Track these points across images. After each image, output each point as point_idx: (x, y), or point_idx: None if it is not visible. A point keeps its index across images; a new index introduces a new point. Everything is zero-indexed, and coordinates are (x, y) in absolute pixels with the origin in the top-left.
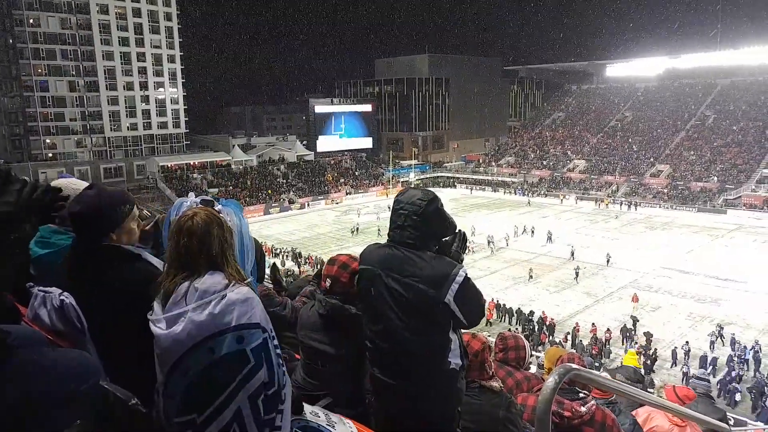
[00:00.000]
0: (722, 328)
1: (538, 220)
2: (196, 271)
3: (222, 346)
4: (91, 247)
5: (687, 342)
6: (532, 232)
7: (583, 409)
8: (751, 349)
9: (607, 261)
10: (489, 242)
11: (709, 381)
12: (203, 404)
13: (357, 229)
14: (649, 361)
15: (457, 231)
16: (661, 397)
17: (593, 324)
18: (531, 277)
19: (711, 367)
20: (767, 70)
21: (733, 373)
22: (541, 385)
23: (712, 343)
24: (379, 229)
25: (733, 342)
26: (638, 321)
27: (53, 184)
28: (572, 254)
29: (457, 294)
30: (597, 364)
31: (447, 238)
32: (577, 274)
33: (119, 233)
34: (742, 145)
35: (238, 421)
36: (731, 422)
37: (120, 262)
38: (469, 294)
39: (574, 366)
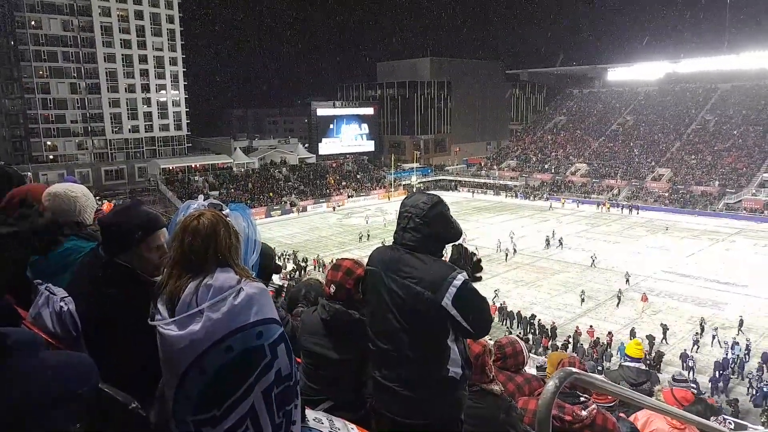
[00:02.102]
0: (704, 323)
1: (539, 223)
2: (204, 271)
3: (241, 343)
4: (107, 261)
5: (697, 333)
6: (560, 242)
7: (584, 413)
8: (742, 349)
9: (627, 280)
10: (506, 253)
11: (691, 381)
12: (222, 400)
13: (368, 235)
14: (652, 362)
15: (460, 250)
16: (659, 399)
17: (590, 326)
18: (583, 300)
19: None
20: (767, 74)
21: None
22: (542, 389)
23: (714, 336)
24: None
25: (734, 345)
26: (668, 329)
27: (51, 189)
28: (593, 262)
29: (456, 298)
30: (600, 368)
31: (452, 252)
32: (619, 299)
33: (128, 257)
34: (742, 150)
35: (251, 415)
36: (731, 426)
37: (129, 285)
38: (470, 299)
39: (574, 369)
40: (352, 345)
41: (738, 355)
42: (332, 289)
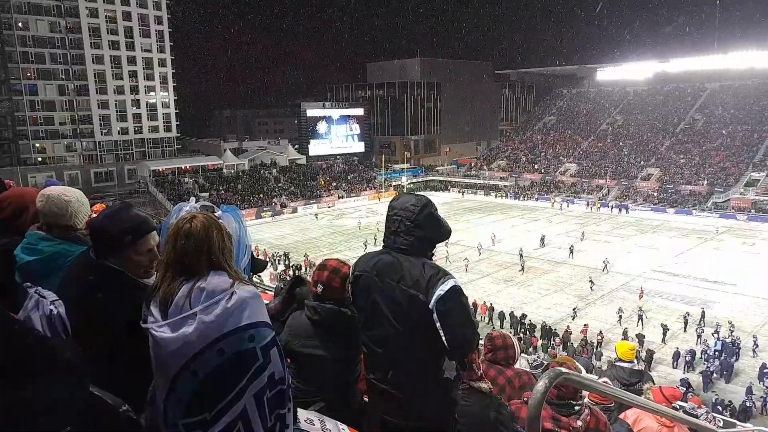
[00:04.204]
0: (688, 317)
1: (528, 223)
2: (197, 274)
3: (233, 346)
4: (96, 264)
5: (699, 327)
6: (571, 250)
7: (579, 423)
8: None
9: (591, 287)
10: (522, 266)
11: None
12: (213, 403)
13: (375, 239)
14: (644, 361)
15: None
16: (648, 397)
17: (585, 325)
18: (620, 318)
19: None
20: (755, 74)
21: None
22: (530, 394)
23: (717, 333)
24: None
25: (724, 344)
26: (668, 330)
27: (46, 191)
28: (605, 267)
29: (440, 303)
30: (591, 366)
31: None
32: (640, 318)
33: (118, 261)
34: (730, 149)
35: (243, 418)
36: (720, 423)
37: (119, 289)
38: (454, 306)
39: (564, 370)
40: (344, 343)
41: (717, 350)
42: (319, 289)
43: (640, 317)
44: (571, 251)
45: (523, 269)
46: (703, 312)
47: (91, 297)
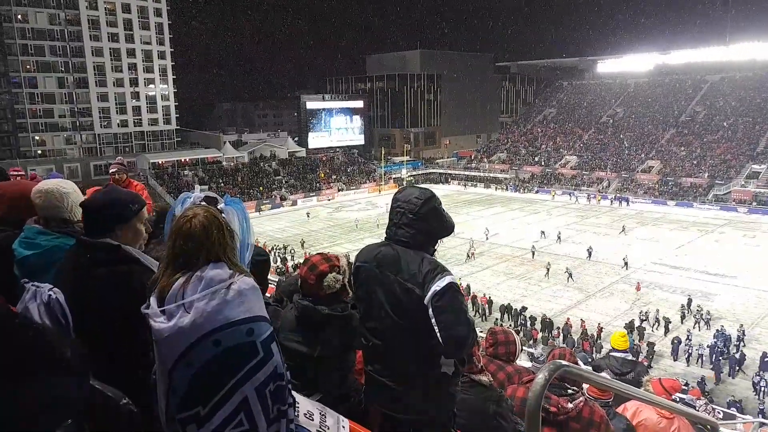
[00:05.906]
0: (685, 309)
1: (528, 216)
2: (196, 266)
3: (231, 338)
4: (92, 243)
5: (698, 313)
6: (589, 252)
7: (569, 405)
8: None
9: (569, 277)
10: (548, 268)
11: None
12: (207, 396)
13: None
14: (646, 354)
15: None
16: (647, 389)
17: (582, 320)
18: (645, 320)
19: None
20: (756, 65)
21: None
22: (530, 377)
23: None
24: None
25: (724, 337)
26: (670, 322)
27: (41, 185)
28: (625, 264)
29: (435, 298)
30: (590, 359)
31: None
32: (657, 321)
33: (125, 229)
34: (731, 141)
35: (244, 410)
36: (720, 416)
37: (117, 263)
38: (449, 304)
39: (564, 362)
40: (327, 340)
41: (716, 342)
42: (299, 283)
43: (657, 320)
44: (590, 253)
45: (548, 272)
46: (690, 299)
47: (89, 275)
